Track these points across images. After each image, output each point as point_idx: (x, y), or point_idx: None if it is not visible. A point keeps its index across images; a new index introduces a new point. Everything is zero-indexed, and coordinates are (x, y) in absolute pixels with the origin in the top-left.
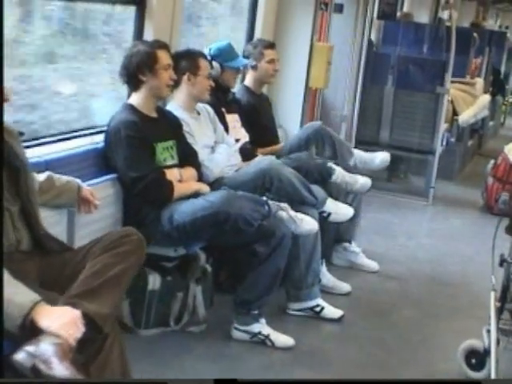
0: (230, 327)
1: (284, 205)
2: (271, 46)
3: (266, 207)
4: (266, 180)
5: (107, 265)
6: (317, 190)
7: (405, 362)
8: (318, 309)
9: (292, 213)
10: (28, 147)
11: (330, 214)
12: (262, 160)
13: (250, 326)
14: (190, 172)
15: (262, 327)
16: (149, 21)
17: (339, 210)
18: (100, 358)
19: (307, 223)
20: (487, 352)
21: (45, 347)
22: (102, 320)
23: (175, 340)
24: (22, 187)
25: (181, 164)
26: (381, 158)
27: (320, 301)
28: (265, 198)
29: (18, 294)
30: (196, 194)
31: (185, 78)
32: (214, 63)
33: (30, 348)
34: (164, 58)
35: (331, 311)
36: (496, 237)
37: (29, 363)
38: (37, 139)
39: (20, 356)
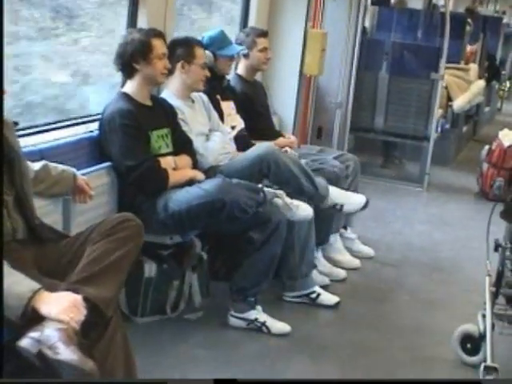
0: (226, 314)
1: (279, 192)
2: (264, 34)
3: (262, 194)
4: (263, 165)
5: (107, 250)
6: (320, 181)
7: (401, 347)
8: (313, 295)
9: (287, 199)
10: (22, 136)
11: (342, 206)
12: (260, 146)
13: (247, 313)
14: (184, 160)
15: (258, 314)
16: (142, 8)
17: (351, 200)
18: (103, 342)
19: (303, 210)
20: (482, 337)
21: (49, 333)
22: (104, 304)
23: (172, 328)
24: (16, 177)
25: (176, 152)
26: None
27: (316, 288)
28: (260, 185)
29: (17, 284)
30: (191, 182)
31: (179, 65)
32: (206, 52)
33: (34, 334)
34: (159, 46)
35: (327, 297)
36: (491, 222)
37: (34, 349)
38: (31, 128)
39: (25, 342)
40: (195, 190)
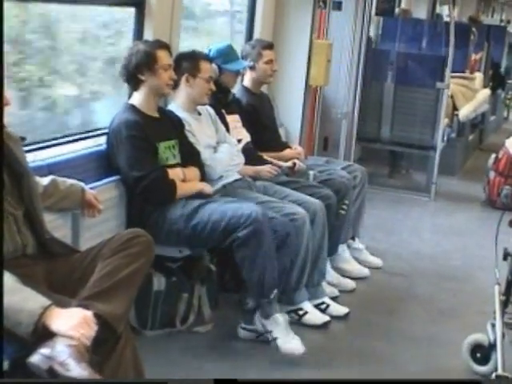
0: (235, 326)
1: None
2: (269, 46)
3: None
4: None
5: (118, 266)
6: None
7: (412, 357)
8: (323, 306)
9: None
10: (30, 151)
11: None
12: (293, 207)
13: (267, 320)
14: (193, 172)
15: (276, 326)
16: (148, 22)
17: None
18: (113, 357)
19: (294, 345)
20: (492, 346)
21: (60, 349)
22: (115, 320)
23: (181, 340)
24: (25, 192)
25: (183, 163)
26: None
27: (326, 298)
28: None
29: (28, 300)
30: (199, 194)
31: (183, 78)
32: (212, 65)
33: (45, 350)
34: (164, 57)
35: (337, 309)
36: (499, 231)
37: (45, 365)
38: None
39: (36, 358)
40: (230, 207)
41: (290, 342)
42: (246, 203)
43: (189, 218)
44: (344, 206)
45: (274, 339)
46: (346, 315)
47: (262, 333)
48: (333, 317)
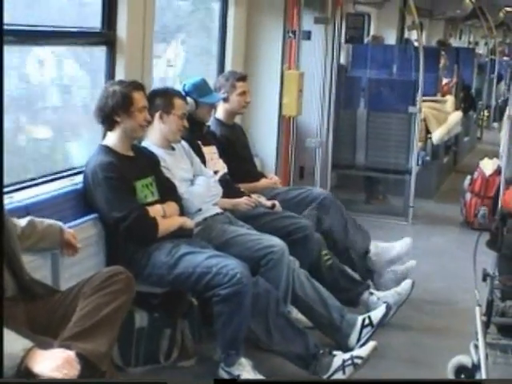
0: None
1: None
2: (243, 78)
3: None
4: (264, 259)
5: (99, 305)
6: (333, 304)
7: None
8: None
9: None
10: (8, 192)
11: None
12: (271, 239)
13: (233, 367)
14: (172, 207)
15: (242, 369)
16: (120, 61)
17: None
18: None
19: None
20: (476, 367)
21: None
22: (97, 359)
23: (166, 376)
24: (2, 235)
25: (162, 199)
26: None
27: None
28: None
29: (9, 343)
30: (181, 229)
31: (157, 115)
32: (188, 99)
33: None
34: (139, 99)
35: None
36: (477, 252)
37: None
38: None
39: None
40: (215, 262)
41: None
42: (231, 260)
43: (173, 266)
44: (326, 258)
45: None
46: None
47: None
48: None
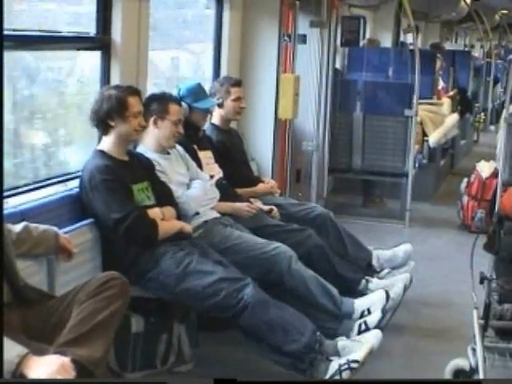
0: (216, 365)
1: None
2: (237, 83)
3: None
4: (274, 271)
5: (94, 310)
6: (346, 300)
7: None
8: None
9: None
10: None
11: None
12: (275, 245)
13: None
14: (170, 211)
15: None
16: (114, 65)
17: (373, 299)
18: None
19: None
20: (474, 370)
21: None
22: (93, 364)
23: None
24: None
25: (158, 204)
26: (404, 249)
27: None
28: None
29: (4, 350)
30: (180, 233)
31: (152, 120)
32: (182, 103)
33: None
34: (134, 104)
35: None
36: (474, 255)
37: None
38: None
39: None
40: (226, 284)
41: None
42: (240, 282)
43: (182, 279)
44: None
45: None
46: None
47: None
48: None
